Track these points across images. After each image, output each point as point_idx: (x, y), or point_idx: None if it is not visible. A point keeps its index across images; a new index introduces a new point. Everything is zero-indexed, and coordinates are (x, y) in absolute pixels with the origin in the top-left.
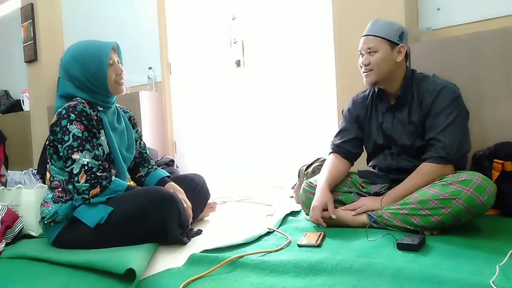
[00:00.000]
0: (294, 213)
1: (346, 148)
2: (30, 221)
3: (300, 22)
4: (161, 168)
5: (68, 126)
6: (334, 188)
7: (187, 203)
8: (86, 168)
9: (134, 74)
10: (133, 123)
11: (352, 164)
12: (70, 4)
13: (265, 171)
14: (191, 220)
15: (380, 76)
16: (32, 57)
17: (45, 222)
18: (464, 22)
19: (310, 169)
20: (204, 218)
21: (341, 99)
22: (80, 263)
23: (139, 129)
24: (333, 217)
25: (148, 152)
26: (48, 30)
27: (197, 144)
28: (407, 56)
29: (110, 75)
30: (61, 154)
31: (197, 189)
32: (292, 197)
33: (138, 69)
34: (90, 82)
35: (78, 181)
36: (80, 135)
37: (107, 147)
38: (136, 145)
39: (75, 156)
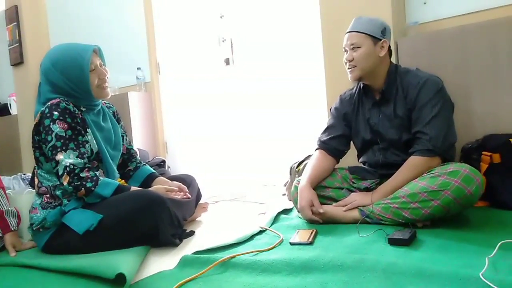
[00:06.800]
0: (286, 211)
1: (332, 145)
2: (19, 227)
3: (288, 19)
4: (153, 169)
5: (51, 126)
6: (325, 184)
7: (183, 192)
8: (68, 170)
9: (123, 75)
10: (117, 118)
11: (338, 161)
12: (55, 6)
13: (257, 169)
14: (191, 197)
15: (364, 72)
16: (18, 60)
17: (34, 228)
18: (451, 15)
19: (301, 166)
20: (196, 219)
21: (330, 96)
22: (70, 268)
23: (123, 124)
24: (321, 211)
25: (134, 147)
26: (33, 32)
27: (188, 144)
28: (390, 51)
29: (93, 81)
30: (47, 155)
31: (188, 190)
32: (284, 194)
33: (126, 70)
34: (72, 89)
35: (62, 183)
36: (63, 134)
37: (96, 145)
38: (123, 141)
39: (59, 157)
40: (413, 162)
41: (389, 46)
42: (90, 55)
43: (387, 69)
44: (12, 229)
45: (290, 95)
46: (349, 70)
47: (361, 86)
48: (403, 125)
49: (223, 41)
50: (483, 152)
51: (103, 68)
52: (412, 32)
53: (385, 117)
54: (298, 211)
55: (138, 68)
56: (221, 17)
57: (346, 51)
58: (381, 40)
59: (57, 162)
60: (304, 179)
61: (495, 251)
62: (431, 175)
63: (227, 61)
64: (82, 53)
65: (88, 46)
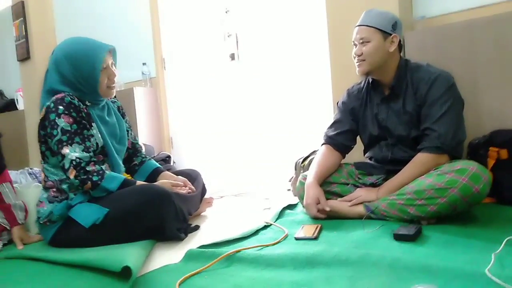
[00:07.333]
0: (291, 206)
1: (339, 140)
2: (26, 221)
3: (294, 14)
4: (158, 163)
5: (56, 120)
6: (331, 180)
7: (187, 187)
8: (74, 163)
9: (128, 70)
10: (122, 113)
11: (344, 157)
12: (62, 1)
13: (262, 165)
14: (195, 191)
15: (372, 66)
16: (24, 56)
17: (41, 222)
18: (458, 9)
19: (306, 162)
20: (201, 214)
21: (336, 91)
22: (76, 261)
23: (127, 119)
24: (327, 209)
25: (139, 142)
26: (40, 28)
27: (194, 139)
28: (400, 46)
29: (102, 80)
30: (53, 149)
31: (193, 185)
32: (289, 190)
33: (131, 65)
34: (80, 83)
35: (69, 177)
36: (69, 128)
37: (101, 140)
38: (128, 136)
39: (64, 150)
40: (421, 159)
41: (400, 41)
42: (105, 55)
43: (397, 64)
44: (20, 222)
45: (295, 90)
46: (357, 64)
47: (370, 81)
48: (412, 122)
49: (228, 36)
50: (490, 148)
51: (113, 69)
52: (419, 26)
53: (393, 113)
54: (303, 206)
55: (144, 64)
56: (226, 12)
57: (355, 45)
58: (391, 35)
59: (63, 156)
60: (310, 176)
61: (501, 247)
62: (438, 172)
63: (232, 56)
64: (97, 50)
65: (104, 45)
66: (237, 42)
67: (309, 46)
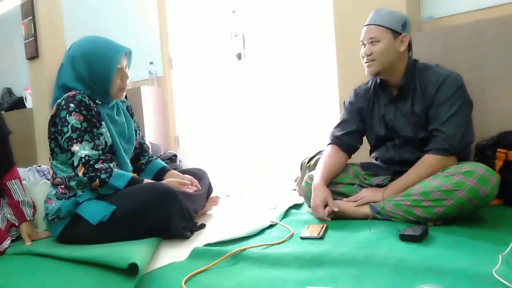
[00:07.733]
0: (296, 206)
1: (345, 140)
2: (35, 217)
3: (300, 14)
4: (164, 163)
5: (67, 118)
6: (337, 180)
7: (194, 185)
8: (83, 161)
9: (135, 69)
10: (131, 113)
11: (350, 157)
12: (70, 0)
13: (268, 164)
14: (199, 189)
15: (382, 66)
16: (33, 54)
17: (49, 219)
18: (466, 10)
19: (312, 162)
20: (207, 212)
21: (343, 90)
22: (84, 258)
23: (136, 119)
24: (335, 210)
25: (146, 142)
26: (48, 26)
27: (200, 138)
28: (409, 46)
29: (115, 81)
30: (63, 146)
31: (199, 183)
32: (295, 190)
33: (139, 64)
34: (93, 82)
35: (77, 174)
36: (79, 126)
37: (110, 138)
38: (136, 136)
39: (74, 148)
40: (428, 160)
41: (410, 41)
42: (121, 57)
43: (406, 64)
44: (28, 219)
45: (301, 90)
46: (367, 64)
47: (378, 81)
48: (420, 123)
49: (235, 36)
50: (498, 149)
51: (127, 71)
52: (427, 27)
53: (401, 114)
54: (309, 206)
55: (151, 63)
56: (233, 12)
57: (364, 44)
58: (401, 34)
59: (73, 153)
60: (317, 177)
61: (508, 249)
62: (445, 174)
63: (239, 56)
64: (114, 52)
65: (121, 47)
66: (243, 41)
67: (315, 46)
